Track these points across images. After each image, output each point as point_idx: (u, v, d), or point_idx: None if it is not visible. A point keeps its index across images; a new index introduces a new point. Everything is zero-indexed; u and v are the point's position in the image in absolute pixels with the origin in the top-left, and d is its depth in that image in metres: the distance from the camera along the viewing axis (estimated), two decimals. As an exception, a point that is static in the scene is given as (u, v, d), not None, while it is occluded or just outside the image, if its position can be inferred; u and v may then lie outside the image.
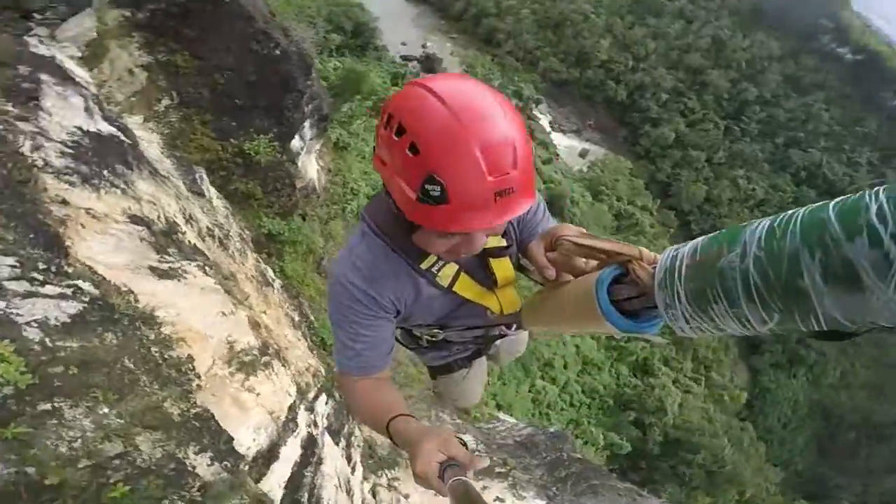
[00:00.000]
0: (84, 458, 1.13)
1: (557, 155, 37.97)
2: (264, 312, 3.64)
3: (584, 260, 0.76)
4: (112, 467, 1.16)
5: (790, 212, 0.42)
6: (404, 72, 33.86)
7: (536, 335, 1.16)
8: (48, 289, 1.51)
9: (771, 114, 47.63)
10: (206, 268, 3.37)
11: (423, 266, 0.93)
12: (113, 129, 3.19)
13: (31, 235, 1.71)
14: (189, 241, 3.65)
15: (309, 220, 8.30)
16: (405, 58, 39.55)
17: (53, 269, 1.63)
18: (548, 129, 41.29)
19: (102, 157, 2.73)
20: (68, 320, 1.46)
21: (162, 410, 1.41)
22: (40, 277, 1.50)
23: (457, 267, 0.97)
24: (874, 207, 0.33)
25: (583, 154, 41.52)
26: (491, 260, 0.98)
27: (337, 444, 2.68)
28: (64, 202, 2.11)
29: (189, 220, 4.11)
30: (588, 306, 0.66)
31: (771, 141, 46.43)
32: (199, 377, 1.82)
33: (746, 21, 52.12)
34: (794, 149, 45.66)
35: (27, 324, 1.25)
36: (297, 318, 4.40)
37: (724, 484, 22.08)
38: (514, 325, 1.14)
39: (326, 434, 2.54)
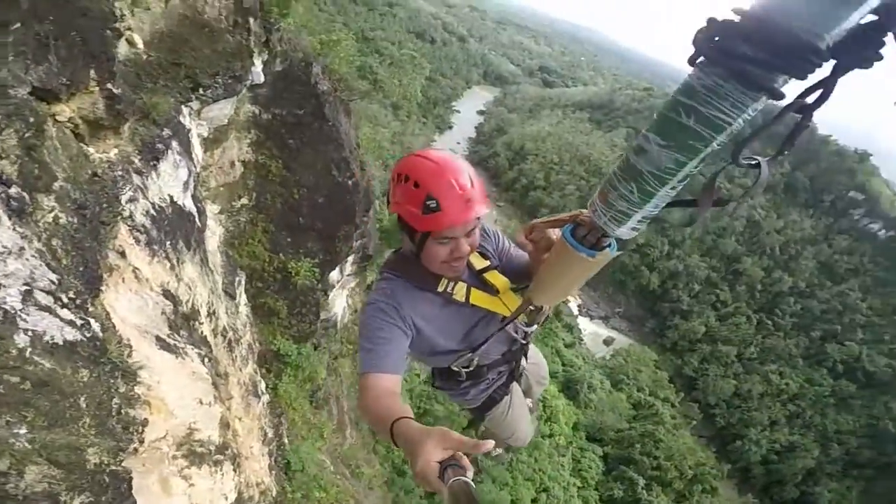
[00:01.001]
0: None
1: (581, 339, 37.67)
2: (240, 418, 3.41)
3: (552, 231, 1.15)
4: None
5: None
6: None
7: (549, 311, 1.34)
8: (64, 312, 1.64)
9: (805, 305, 45.60)
10: (206, 358, 3.39)
11: (440, 289, 1.25)
12: (194, 209, 3.54)
13: (81, 268, 1.95)
14: (201, 332, 3.77)
15: (320, 351, 8.24)
16: None
17: (79, 301, 1.80)
18: (575, 312, 41.76)
19: (173, 230, 3.09)
20: (60, 343, 1.53)
21: (80, 454, 1.32)
22: (65, 300, 1.66)
23: (465, 285, 1.28)
24: (640, 137, 0.77)
25: (608, 342, 40.82)
26: (485, 275, 1.33)
27: None
28: (122, 254, 2.41)
29: (211, 314, 4.32)
30: (565, 253, 1.01)
31: (806, 335, 43.59)
32: (141, 443, 1.70)
33: (780, 200, 53.05)
34: (830, 343, 42.52)
35: (24, 330, 1.35)
36: (269, 435, 4.02)
37: None
38: (529, 320, 1.33)
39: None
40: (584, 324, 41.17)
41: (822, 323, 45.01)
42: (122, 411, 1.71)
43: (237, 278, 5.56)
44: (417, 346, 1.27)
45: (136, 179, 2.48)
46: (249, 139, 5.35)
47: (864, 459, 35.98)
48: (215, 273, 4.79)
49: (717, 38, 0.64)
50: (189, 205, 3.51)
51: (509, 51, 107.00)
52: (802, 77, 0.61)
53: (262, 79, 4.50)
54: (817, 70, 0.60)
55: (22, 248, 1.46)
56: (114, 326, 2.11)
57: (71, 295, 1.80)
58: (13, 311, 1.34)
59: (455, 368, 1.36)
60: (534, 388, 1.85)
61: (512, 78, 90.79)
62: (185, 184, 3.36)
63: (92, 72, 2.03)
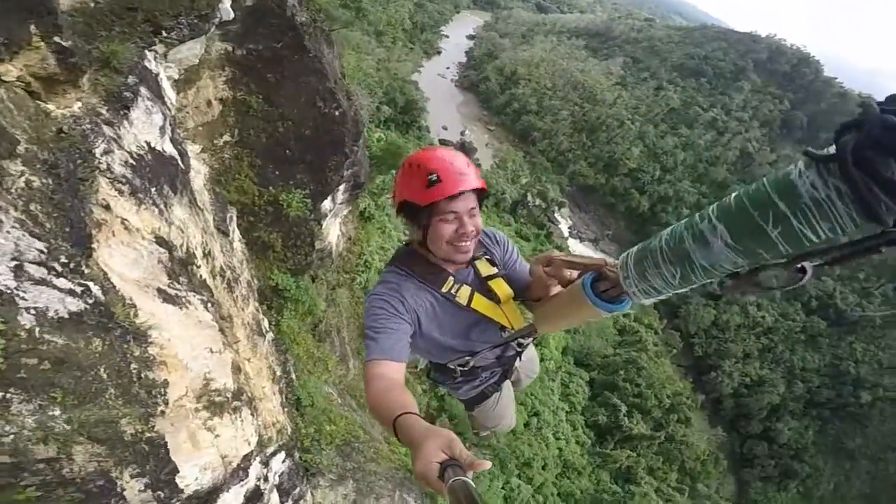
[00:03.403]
0: (6, 455, 1.05)
1: (571, 261, 39.16)
2: (248, 360, 3.53)
3: (568, 271, 1.15)
4: (32, 470, 1.07)
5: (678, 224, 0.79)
6: None
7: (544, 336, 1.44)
8: (61, 282, 1.55)
9: None
10: (209, 304, 3.39)
11: (444, 289, 1.29)
12: (174, 152, 3.39)
13: (68, 229, 1.81)
14: (200, 276, 3.72)
15: (318, 283, 8.37)
16: (442, 141, 41.48)
17: (73, 265, 1.69)
18: (566, 234, 42.43)
19: (156, 176, 2.93)
20: (66, 316, 1.47)
21: (115, 427, 1.34)
22: (59, 268, 1.56)
23: (470, 289, 1.32)
24: (706, 223, 0.70)
25: (596, 264, 42.49)
26: (490, 283, 1.35)
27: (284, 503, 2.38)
28: (107, 207, 2.26)
29: (206, 255, 4.23)
30: (581, 300, 1.01)
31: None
32: (166, 404, 1.73)
33: (775, 134, 54.01)
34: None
35: (26, 309, 1.28)
36: (278, 373, 4.22)
37: None
38: (528, 336, 1.41)
39: (275, 492, 2.28)
40: (574, 245, 41.93)
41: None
42: (142, 375, 1.71)
43: (228, 214, 5.40)
44: (417, 341, 1.30)
45: (108, 130, 2.27)
46: (225, 77, 5.00)
47: (822, 399, 39.55)
48: (205, 212, 4.62)
49: (867, 149, 0.51)
50: (169, 149, 3.33)
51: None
52: None
53: (231, 15, 4.10)
54: None
55: (0, 221, 1.31)
56: (114, 287, 2.03)
57: (63, 260, 1.69)
58: (10, 291, 1.26)
59: (451, 366, 1.42)
60: (523, 381, 1.91)
61: (504, 2, 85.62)
62: (162, 129, 3.17)
63: (32, 27, 1.77)
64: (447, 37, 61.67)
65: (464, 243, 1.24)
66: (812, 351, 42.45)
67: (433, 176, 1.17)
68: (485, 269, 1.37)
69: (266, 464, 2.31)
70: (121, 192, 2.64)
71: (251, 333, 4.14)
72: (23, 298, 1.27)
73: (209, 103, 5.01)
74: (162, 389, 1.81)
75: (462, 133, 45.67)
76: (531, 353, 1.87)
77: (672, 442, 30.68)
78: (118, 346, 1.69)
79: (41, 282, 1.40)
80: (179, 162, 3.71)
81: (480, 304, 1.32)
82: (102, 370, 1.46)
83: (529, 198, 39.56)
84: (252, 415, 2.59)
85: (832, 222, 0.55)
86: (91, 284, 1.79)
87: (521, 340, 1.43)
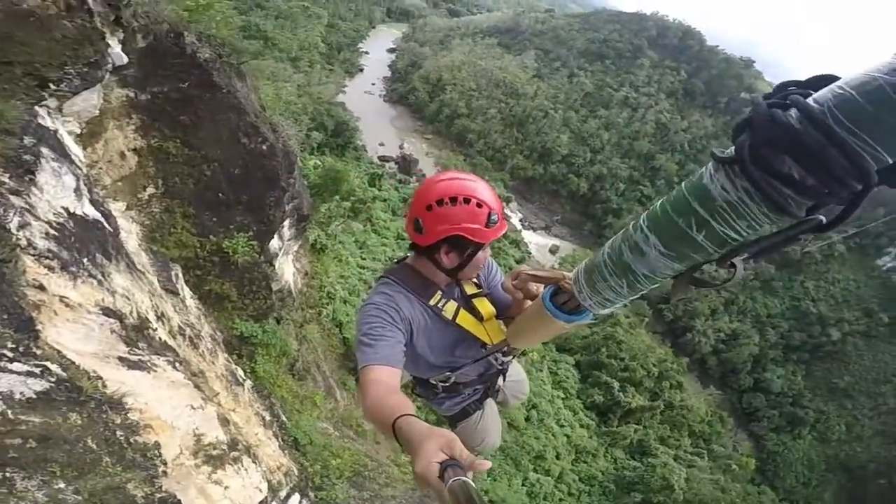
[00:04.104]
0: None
1: (529, 253, 39.75)
2: (233, 410, 3.36)
3: (535, 285, 1.19)
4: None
5: (618, 233, 0.81)
6: (381, 173, 35.29)
7: (526, 348, 1.50)
8: (16, 366, 1.44)
9: None
10: (176, 363, 3.20)
11: (431, 303, 1.34)
12: (98, 215, 3.15)
13: (5, 316, 1.67)
14: (159, 338, 3.50)
15: (284, 324, 8.01)
16: (383, 158, 41.34)
17: (22, 349, 1.57)
18: (518, 227, 43.55)
19: (84, 245, 2.71)
20: (34, 396, 1.37)
21: (125, 491, 1.27)
22: (10, 354, 1.45)
23: (455, 304, 1.37)
24: (639, 234, 0.73)
25: (553, 250, 43.58)
26: (474, 301, 1.42)
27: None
28: (41, 287, 2.09)
29: (161, 317, 3.98)
30: (542, 314, 1.05)
31: None
32: (164, 464, 1.65)
33: (681, 103, 59.32)
34: None
35: (-6, 393, 1.18)
36: (268, 418, 4.04)
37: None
38: (506, 352, 1.47)
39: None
40: (528, 236, 43.24)
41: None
42: (131, 440, 1.62)
43: (172, 272, 5.08)
44: (407, 351, 1.29)
45: (17, 201, 2.09)
46: (133, 125, 4.63)
47: (796, 342, 42.53)
48: (147, 274, 4.33)
49: (760, 147, 0.53)
50: (91, 212, 3.10)
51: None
52: (841, 203, 0.53)
53: (124, 59, 3.79)
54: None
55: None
56: (73, 363, 1.89)
57: (10, 346, 1.57)
58: (-33, 381, 1.16)
59: (433, 381, 1.46)
60: (510, 402, 1.92)
61: (417, 11, 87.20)
62: (77, 190, 2.94)
63: None
64: (367, 53, 61.35)
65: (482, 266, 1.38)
66: (770, 296, 45.55)
67: (494, 216, 1.24)
68: (470, 288, 1.45)
69: (282, 506, 2.23)
70: (51, 269, 2.44)
71: (228, 384, 3.94)
72: (-17, 385, 1.17)
73: (122, 155, 4.63)
74: (156, 451, 1.71)
75: (401, 147, 45.72)
76: (519, 375, 1.91)
77: (672, 409, 31.43)
78: (97, 417, 1.59)
79: (-3, 366, 1.29)
80: (106, 225, 3.48)
81: (465, 319, 1.37)
82: (90, 440, 1.37)
83: (477, 199, 39.89)
84: (254, 462, 2.49)
85: (748, 220, 0.57)
86: (48, 364, 1.66)
87: (502, 357, 1.48)
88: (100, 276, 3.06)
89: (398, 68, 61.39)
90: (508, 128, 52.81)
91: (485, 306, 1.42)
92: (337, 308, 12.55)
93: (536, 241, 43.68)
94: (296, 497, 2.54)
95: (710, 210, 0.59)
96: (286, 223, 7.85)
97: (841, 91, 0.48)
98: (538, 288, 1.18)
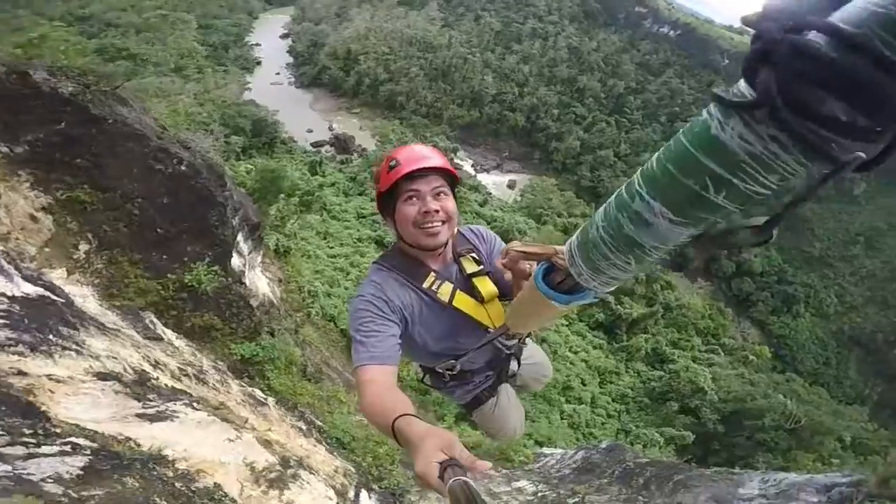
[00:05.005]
0: None
1: (490, 194, 39.88)
2: (270, 430, 3.30)
3: (527, 263, 1.03)
4: None
5: (608, 200, 0.69)
6: (319, 158, 33.67)
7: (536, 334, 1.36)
8: (45, 449, 1.32)
9: (643, 99, 54.14)
10: (194, 403, 3.08)
11: (425, 286, 1.24)
12: (39, 290, 2.93)
13: (3, 408, 1.50)
14: (165, 384, 3.33)
15: (279, 335, 7.81)
16: (316, 144, 39.12)
17: (41, 431, 1.43)
18: (472, 172, 43.40)
19: (41, 322, 2.49)
20: (80, 472, 1.27)
21: None
22: (33, 440, 1.32)
23: (451, 286, 1.27)
24: (638, 202, 0.61)
25: (511, 185, 43.84)
26: (474, 280, 1.30)
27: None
28: (21, 373, 1.89)
29: (156, 365, 3.76)
30: (537, 296, 0.88)
31: (657, 121, 52.37)
32: (234, 502, 1.60)
33: (585, 25, 60.31)
34: (677, 122, 51.14)
35: (42, 480, 1.08)
36: (304, 427, 4.02)
37: (815, 436, 20.40)
38: (505, 336, 1.32)
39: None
40: (484, 179, 43.11)
41: (661, 108, 53.52)
42: (193, 488, 1.56)
43: (147, 321, 4.76)
44: (405, 342, 1.23)
45: None
46: (26, 182, 4.10)
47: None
48: (122, 330, 4.03)
49: (795, 85, 0.42)
50: (30, 289, 2.88)
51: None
52: (886, 142, 0.43)
53: None
54: None
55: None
56: (97, 432, 1.75)
57: (27, 431, 1.42)
58: (11, 474, 1.05)
59: (439, 370, 1.38)
60: (531, 386, 1.81)
61: None
62: (2, 271, 2.76)
63: None
64: (259, 45, 56.69)
65: (430, 224, 1.18)
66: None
67: (393, 161, 1.20)
68: (469, 266, 1.32)
69: (357, 508, 2.25)
70: (21, 354, 2.22)
71: (253, 407, 3.86)
72: (30, 474, 1.06)
73: (34, 218, 4.11)
74: (221, 492, 1.66)
75: (330, 128, 43.39)
76: (537, 356, 1.75)
77: (671, 310, 31.59)
78: (149, 475, 1.50)
79: (28, 456, 1.17)
80: (53, 297, 3.20)
81: (463, 301, 1.26)
82: (157, 498, 1.30)
83: (424, 156, 39.27)
84: (312, 473, 2.49)
85: (780, 173, 0.48)
86: (73, 439, 1.53)
87: (506, 342, 1.36)
88: (75, 347, 2.82)
89: (299, 52, 57.24)
90: (434, 81, 51.36)
91: (486, 286, 1.30)
92: (323, 304, 12.30)
93: (493, 181, 43.75)
94: (363, 494, 2.58)
95: (729, 167, 0.49)
96: (239, 237, 7.42)
97: (878, 8, 0.38)
98: (531, 266, 1.02)
